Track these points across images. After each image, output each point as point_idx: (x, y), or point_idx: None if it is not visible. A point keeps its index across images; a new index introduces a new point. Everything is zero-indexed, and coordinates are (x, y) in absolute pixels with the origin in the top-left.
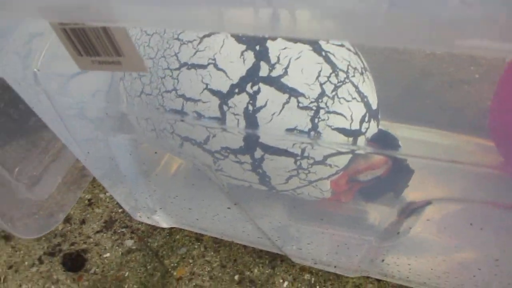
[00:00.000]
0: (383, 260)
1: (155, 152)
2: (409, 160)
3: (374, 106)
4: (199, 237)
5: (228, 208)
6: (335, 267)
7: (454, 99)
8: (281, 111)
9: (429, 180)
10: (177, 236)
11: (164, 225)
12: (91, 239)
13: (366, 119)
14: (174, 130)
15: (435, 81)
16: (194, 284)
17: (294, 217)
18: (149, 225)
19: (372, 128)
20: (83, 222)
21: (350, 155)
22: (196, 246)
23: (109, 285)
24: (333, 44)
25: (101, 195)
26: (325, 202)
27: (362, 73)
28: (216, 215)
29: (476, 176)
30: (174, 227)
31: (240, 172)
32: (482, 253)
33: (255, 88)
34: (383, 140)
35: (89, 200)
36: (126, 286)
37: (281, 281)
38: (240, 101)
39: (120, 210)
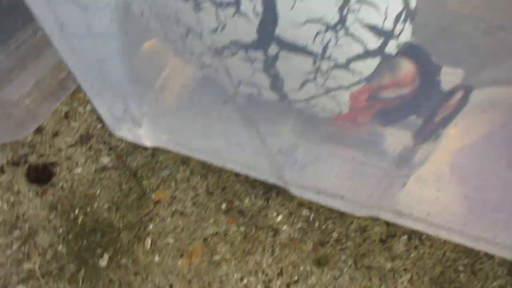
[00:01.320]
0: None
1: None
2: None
3: (413, 5)
4: (185, 161)
5: (225, 102)
6: (341, 198)
7: (487, 44)
8: None
9: None
10: (161, 158)
11: (148, 143)
12: (62, 153)
13: (402, 18)
14: (179, 18)
15: (469, 26)
16: (174, 209)
17: (304, 136)
18: (130, 143)
19: (406, 33)
20: (56, 134)
21: (377, 62)
22: (181, 170)
23: (77, 202)
24: None
25: (80, 109)
26: (340, 122)
27: None
28: (208, 118)
29: None
30: (158, 147)
31: (249, 73)
32: None
33: None
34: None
35: (66, 113)
36: (96, 205)
37: (274, 214)
38: None
39: (99, 126)
